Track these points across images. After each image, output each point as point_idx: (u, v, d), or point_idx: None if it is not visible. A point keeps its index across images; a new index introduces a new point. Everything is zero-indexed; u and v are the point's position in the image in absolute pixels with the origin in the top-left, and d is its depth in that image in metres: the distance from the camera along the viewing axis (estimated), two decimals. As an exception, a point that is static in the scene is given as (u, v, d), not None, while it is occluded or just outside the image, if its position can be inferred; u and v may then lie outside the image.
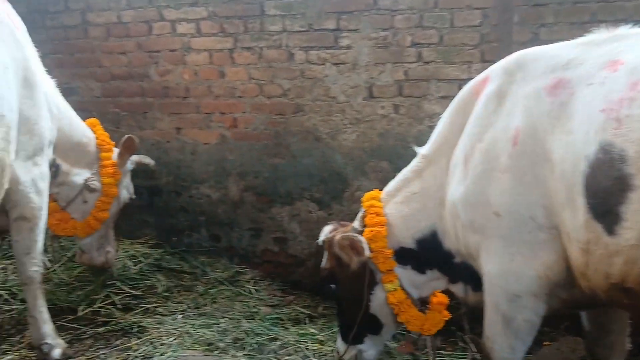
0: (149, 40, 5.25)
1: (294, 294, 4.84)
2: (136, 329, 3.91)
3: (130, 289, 4.56)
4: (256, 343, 3.77)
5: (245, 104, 4.99)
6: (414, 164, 3.01)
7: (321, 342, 3.85)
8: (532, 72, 2.39)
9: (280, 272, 5.09)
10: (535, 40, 4.02)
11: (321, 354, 3.69)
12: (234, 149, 5.10)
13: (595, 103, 2.04)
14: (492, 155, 2.44)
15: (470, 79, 4.20)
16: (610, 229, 1.97)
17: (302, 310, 4.49)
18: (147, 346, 3.63)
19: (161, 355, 3.46)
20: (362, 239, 2.89)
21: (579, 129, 2.07)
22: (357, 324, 2.99)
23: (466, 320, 3.27)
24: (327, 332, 4.01)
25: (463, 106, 2.76)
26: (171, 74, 5.23)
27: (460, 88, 4.23)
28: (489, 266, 2.53)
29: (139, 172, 5.44)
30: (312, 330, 4.04)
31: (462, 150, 2.63)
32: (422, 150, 2.97)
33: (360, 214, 3.11)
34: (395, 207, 3.00)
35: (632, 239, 1.91)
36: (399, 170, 4.48)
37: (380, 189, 4.56)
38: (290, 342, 3.82)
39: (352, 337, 3.06)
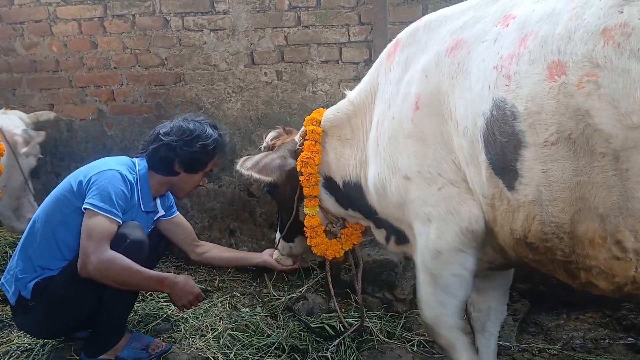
0: (11, 11, 4.82)
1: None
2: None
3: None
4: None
5: (121, 75, 4.72)
6: (344, 105, 2.95)
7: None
8: (436, 37, 2.35)
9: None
10: (412, -1, 4.04)
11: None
12: (113, 123, 4.83)
13: (489, 60, 2.01)
14: (397, 122, 2.44)
15: (350, 42, 4.25)
16: (510, 185, 1.98)
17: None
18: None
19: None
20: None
21: (476, 86, 2.05)
22: (287, 227, 3.24)
23: (358, 281, 3.32)
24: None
25: (380, 68, 2.70)
26: (38, 47, 4.85)
27: (340, 52, 4.30)
28: (413, 228, 2.52)
29: None
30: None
31: (376, 117, 2.63)
32: (349, 95, 2.92)
33: (302, 131, 3.08)
34: (332, 143, 2.99)
35: (529, 194, 1.92)
36: (286, 138, 4.46)
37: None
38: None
39: (284, 236, 3.34)
